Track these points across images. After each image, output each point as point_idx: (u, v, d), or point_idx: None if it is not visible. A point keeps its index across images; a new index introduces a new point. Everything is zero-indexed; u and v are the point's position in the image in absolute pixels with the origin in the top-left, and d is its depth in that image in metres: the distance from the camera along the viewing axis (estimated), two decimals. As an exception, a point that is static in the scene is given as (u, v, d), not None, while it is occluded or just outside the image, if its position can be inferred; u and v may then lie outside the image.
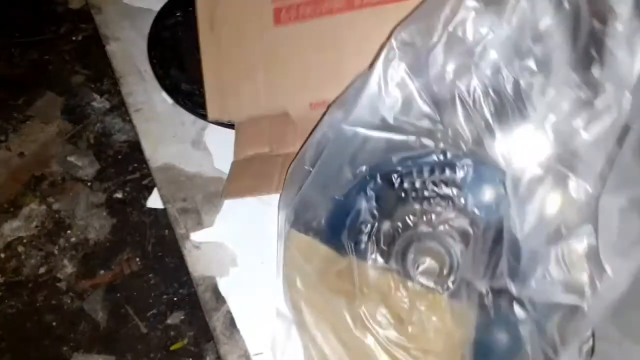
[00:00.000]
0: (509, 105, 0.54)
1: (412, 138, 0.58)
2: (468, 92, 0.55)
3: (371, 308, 0.61)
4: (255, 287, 0.73)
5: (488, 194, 0.58)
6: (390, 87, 0.58)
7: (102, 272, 1.79)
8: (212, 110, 0.78)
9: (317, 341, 0.64)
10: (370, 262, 0.61)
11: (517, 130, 0.55)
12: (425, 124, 0.58)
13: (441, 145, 0.58)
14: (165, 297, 1.72)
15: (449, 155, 0.58)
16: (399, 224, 0.61)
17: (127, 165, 1.95)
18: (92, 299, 1.75)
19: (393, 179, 0.60)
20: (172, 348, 1.65)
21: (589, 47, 0.53)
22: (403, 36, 0.58)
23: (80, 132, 2.02)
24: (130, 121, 1.03)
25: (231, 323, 0.71)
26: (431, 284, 0.60)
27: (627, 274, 0.50)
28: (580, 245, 0.53)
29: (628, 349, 0.59)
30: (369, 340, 0.61)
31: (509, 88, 0.54)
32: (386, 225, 0.62)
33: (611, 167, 0.51)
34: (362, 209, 0.62)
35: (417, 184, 0.60)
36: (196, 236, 0.77)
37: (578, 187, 0.53)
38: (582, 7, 0.53)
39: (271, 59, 0.75)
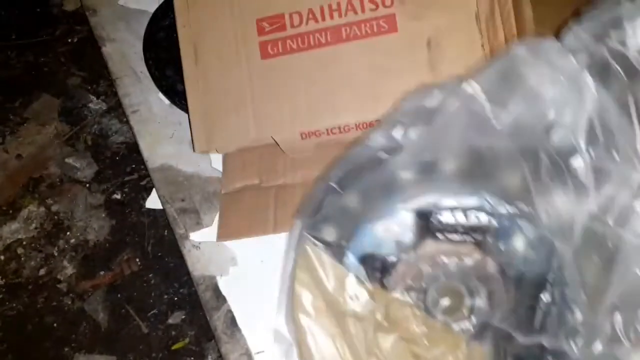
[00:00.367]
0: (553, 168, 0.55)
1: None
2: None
3: (386, 340, 0.60)
4: (256, 285, 0.73)
5: (523, 245, 0.58)
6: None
7: (102, 273, 1.78)
8: (199, 143, 0.77)
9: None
10: (392, 293, 0.61)
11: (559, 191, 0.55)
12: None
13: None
14: (165, 296, 1.72)
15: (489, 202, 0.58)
16: (427, 259, 0.61)
17: (125, 167, 1.95)
18: (93, 299, 1.74)
19: (428, 215, 0.60)
20: (173, 347, 1.64)
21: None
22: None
23: (78, 133, 2.02)
24: (127, 122, 1.02)
25: (232, 322, 0.71)
26: (452, 324, 0.60)
27: None
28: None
29: None
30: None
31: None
32: (413, 259, 0.61)
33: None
34: (391, 239, 0.61)
35: (451, 223, 0.60)
36: (195, 236, 0.77)
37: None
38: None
39: (259, 91, 0.75)
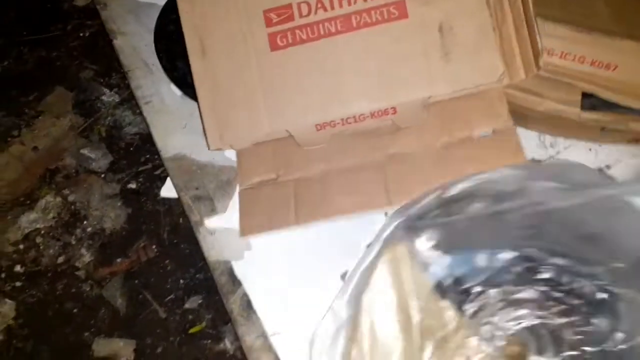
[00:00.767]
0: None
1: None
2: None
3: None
4: (270, 269, 0.73)
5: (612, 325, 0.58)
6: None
7: (119, 260, 1.80)
8: (212, 140, 0.75)
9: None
10: (466, 318, 0.61)
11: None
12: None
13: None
14: (182, 282, 1.73)
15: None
16: (515, 303, 0.61)
17: (139, 157, 1.95)
18: (111, 286, 1.76)
19: (535, 267, 0.61)
20: (190, 331, 1.66)
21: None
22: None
23: (92, 125, 2.02)
24: (140, 114, 1.03)
25: (248, 305, 0.72)
26: None
27: None
28: None
29: None
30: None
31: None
32: (500, 298, 0.61)
33: None
34: (488, 271, 0.62)
35: (554, 280, 0.61)
36: (210, 222, 0.78)
37: None
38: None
39: (270, 84, 0.73)
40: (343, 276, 0.70)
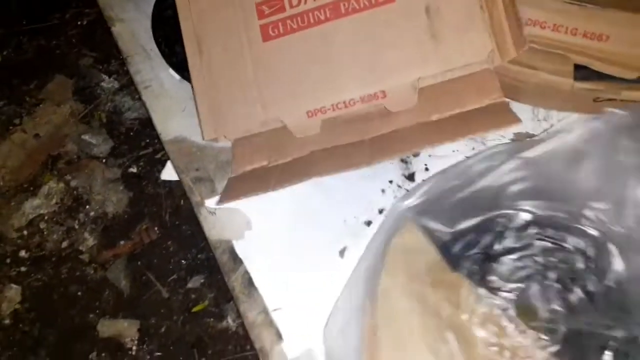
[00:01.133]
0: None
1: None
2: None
3: (463, 333, 0.59)
4: (270, 247, 0.73)
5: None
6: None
7: (122, 242, 1.80)
8: (207, 131, 0.77)
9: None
10: (480, 284, 0.60)
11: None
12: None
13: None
14: (184, 262, 1.74)
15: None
16: (526, 259, 0.61)
17: (139, 141, 1.95)
18: (115, 268, 1.76)
19: (539, 226, 0.61)
20: (194, 310, 1.66)
21: None
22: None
23: (92, 111, 2.02)
24: (139, 99, 1.02)
25: (249, 282, 0.72)
26: (530, 326, 0.59)
27: None
28: None
29: None
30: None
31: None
32: (511, 256, 0.62)
33: None
34: (498, 236, 0.62)
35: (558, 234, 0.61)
36: (211, 202, 0.78)
37: None
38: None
39: (263, 74, 0.74)
40: (342, 252, 0.71)
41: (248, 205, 0.75)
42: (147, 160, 1.92)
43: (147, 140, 1.94)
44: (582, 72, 0.69)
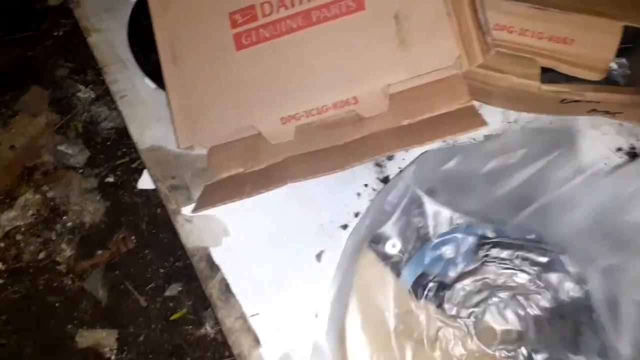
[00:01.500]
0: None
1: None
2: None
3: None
4: (247, 253, 0.73)
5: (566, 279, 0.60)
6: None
7: (99, 252, 1.78)
8: (182, 139, 0.76)
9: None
10: (439, 312, 0.61)
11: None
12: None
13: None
14: (162, 270, 1.72)
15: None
16: (482, 285, 0.62)
17: (116, 151, 1.93)
18: (92, 278, 1.74)
19: (485, 241, 0.62)
20: (172, 318, 1.65)
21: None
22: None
23: (69, 122, 2.00)
24: (115, 109, 1.01)
25: (226, 289, 0.72)
26: (492, 349, 0.60)
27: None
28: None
29: None
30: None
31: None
32: (464, 282, 0.62)
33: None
34: (447, 258, 0.62)
35: (505, 253, 0.62)
36: (187, 210, 0.77)
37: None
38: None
39: (237, 83, 0.74)
40: (318, 256, 0.71)
41: (224, 212, 0.75)
42: (123, 169, 1.90)
43: (124, 150, 1.92)
44: (548, 75, 0.70)
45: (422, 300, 0.61)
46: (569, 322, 0.59)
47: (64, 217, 1.84)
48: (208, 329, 1.62)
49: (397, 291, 0.61)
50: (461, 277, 0.62)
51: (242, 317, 0.70)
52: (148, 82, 0.88)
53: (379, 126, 0.70)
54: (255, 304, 0.70)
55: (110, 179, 1.89)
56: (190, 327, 1.63)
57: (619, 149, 0.73)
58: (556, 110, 0.73)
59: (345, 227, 0.72)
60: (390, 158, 0.76)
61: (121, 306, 1.69)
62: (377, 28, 0.70)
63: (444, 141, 0.75)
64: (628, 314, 0.54)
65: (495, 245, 0.62)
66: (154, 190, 0.82)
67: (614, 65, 0.73)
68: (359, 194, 0.74)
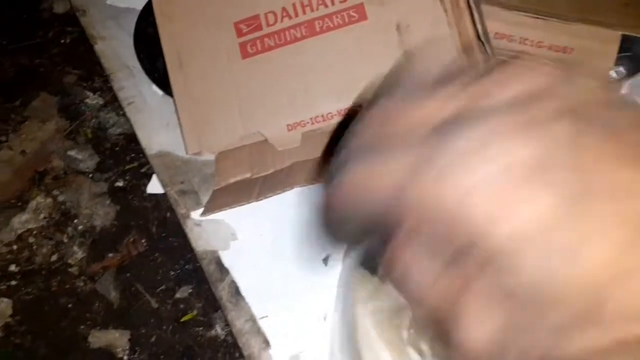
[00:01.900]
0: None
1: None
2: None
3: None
4: (255, 257, 0.73)
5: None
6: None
7: (110, 255, 1.78)
8: (190, 145, 0.77)
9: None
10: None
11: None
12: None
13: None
14: (172, 273, 1.73)
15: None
16: None
17: (125, 156, 1.94)
18: (104, 280, 1.75)
19: None
20: (182, 319, 1.65)
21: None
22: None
23: (77, 128, 2.00)
24: (123, 115, 1.01)
25: (236, 291, 0.72)
26: None
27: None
28: None
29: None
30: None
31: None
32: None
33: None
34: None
35: None
36: (196, 214, 0.77)
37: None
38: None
39: (243, 91, 0.74)
40: (325, 260, 0.71)
41: (232, 216, 0.75)
42: (132, 174, 1.90)
43: (132, 155, 1.93)
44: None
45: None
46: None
47: (75, 221, 1.85)
48: (218, 330, 1.62)
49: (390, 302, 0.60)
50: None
51: (252, 319, 0.70)
52: (155, 88, 0.88)
53: None
54: (265, 306, 0.70)
55: (120, 184, 1.89)
56: (201, 328, 1.64)
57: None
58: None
59: (351, 229, 0.72)
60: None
61: (133, 308, 1.70)
62: (379, 37, 0.70)
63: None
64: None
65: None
66: (163, 195, 0.82)
67: (613, 74, 0.73)
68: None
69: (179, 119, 0.77)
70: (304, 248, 0.72)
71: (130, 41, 0.91)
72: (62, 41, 2.16)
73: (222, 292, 0.72)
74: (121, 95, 0.90)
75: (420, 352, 0.58)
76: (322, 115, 0.72)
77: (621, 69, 0.73)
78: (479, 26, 0.67)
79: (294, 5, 0.73)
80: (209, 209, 0.74)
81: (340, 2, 0.72)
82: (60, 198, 1.89)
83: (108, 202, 1.87)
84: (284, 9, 0.74)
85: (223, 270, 0.73)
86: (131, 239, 1.79)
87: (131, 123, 0.87)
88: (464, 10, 0.68)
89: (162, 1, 0.78)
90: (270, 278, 0.71)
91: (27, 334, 1.70)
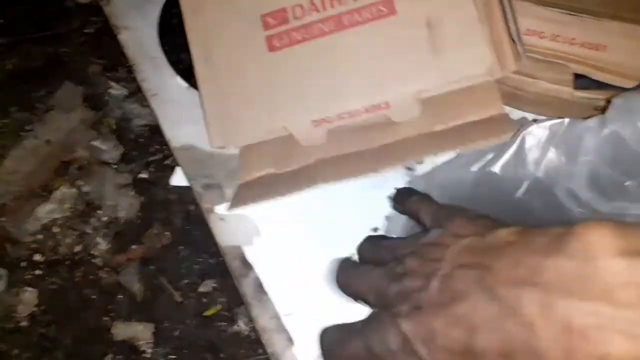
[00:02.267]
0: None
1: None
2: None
3: None
4: (279, 253, 0.73)
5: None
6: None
7: (134, 247, 1.80)
8: (215, 138, 0.76)
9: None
10: None
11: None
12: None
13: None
14: (196, 267, 1.74)
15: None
16: None
17: (149, 147, 1.95)
18: (127, 272, 1.77)
19: None
20: (206, 314, 1.67)
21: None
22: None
23: (102, 118, 2.02)
24: (147, 106, 1.02)
25: (260, 288, 0.72)
26: None
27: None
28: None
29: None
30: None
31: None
32: None
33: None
34: None
35: None
36: (221, 209, 0.77)
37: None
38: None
39: (269, 84, 0.73)
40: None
41: (256, 212, 0.75)
42: (156, 165, 1.92)
43: (157, 146, 1.94)
44: (581, 81, 0.69)
45: None
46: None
47: (99, 212, 1.87)
48: (242, 325, 1.63)
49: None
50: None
51: (276, 316, 0.70)
52: (180, 81, 0.88)
53: (411, 131, 0.70)
54: (289, 304, 0.70)
55: (144, 175, 1.91)
56: (224, 323, 1.65)
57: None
58: (589, 116, 0.71)
59: (375, 229, 0.72)
60: (420, 162, 0.75)
61: (156, 301, 1.72)
62: (408, 33, 0.69)
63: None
64: None
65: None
66: (187, 187, 0.82)
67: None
68: (389, 197, 0.73)
69: (204, 111, 0.77)
70: (328, 245, 0.71)
71: (154, 32, 0.91)
72: (86, 31, 2.19)
73: (246, 288, 0.72)
74: (145, 86, 0.90)
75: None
76: (349, 112, 0.71)
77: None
78: (510, 23, 0.66)
79: None
80: (235, 204, 0.74)
81: None
82: (85, 188, 1.91)
83: (132, 193, 1.89)
84: (311, 1, 0.72)
85: (247, 266, 0.73)
86: (155, 232, 1.81)
87: (155, 114, 0.88)
88: (495, 6, 0.67)
89: None
90: (295, 276, 0.71)
91: (51, 324, 1.73)
